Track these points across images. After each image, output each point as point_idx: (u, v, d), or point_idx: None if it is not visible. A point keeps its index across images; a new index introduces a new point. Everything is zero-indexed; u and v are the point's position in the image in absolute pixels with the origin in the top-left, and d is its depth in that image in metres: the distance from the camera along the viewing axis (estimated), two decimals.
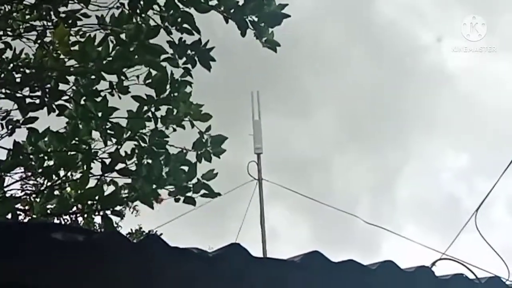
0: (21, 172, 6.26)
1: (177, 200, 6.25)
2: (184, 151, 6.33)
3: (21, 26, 6.29)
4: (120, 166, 6.18)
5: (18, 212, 6.05)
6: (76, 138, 6.16)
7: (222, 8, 6.08)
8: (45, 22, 6.31)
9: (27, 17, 6.31)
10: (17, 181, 6.16)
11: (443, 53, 14.44)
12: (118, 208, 6.12)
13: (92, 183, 6.11)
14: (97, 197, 6.01)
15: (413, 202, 16.39)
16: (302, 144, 15.56)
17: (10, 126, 6.14)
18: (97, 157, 6.17)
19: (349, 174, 16.19)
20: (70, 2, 6.26)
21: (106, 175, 6.15)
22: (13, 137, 6.08)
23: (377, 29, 14.22)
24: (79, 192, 5.93)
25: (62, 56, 5.98)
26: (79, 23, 6.20)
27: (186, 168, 6.25)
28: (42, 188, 6.27)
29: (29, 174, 6.44)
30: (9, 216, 5.84)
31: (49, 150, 6.08)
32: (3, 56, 6.14)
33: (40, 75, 6.02)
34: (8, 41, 6.22)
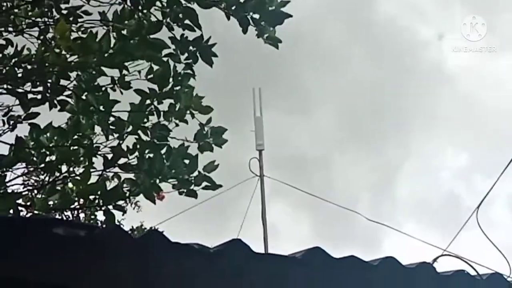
0: (23, 168, 6.27)
1: (180, 193, 6.25)
2: (185, 142, 6.34)
3: (23, 22, 6.29)
4: (122, 160, 6.18)
5: (20, 208, 6.06)
6: (78, 133, 6.17)
7: (223, 5, 6.09)
8: (46, 18, 6.31)
9: (29, 13, 6.31)
10: (18, 176, 6.17)
11: (443, 52, 14.44)
12: (120, 202, 6.12)
13: (94, 178, 6.11)
14: (99, 192, 6.01)
15: (414, 199, 16.40)
16: (303, 142, 15.57)
17: (11, 122, 6.14)
18: (99, 152, 6.18)
19: (349, 171, 16.20)
20: None
21: (108, 170, 6.16)
22: (14, 133, 6.09)
23: (378, 27, 14.23)
24: (81, 187, 5.93)
25: (63, 52, 5.98)
26: (80, 19, 6.20)
27: (187, 161, 6.25)
28: (44, 183, 6.27)
29: (31, 169, 6.44)
30: (11, 211, 5.85)
31: (51, 145, 6.08)
32: (5, 52, 6.14)
33: (42, 70, 6.02)
34: (11, 37, 6.23)
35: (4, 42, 6.13)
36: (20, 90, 6.08)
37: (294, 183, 12.03)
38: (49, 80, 6.08)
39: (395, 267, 3.18)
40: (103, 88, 6.16)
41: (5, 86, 6.07)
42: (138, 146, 6.22)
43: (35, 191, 6.33)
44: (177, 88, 6.29)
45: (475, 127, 13.84)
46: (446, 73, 14.14)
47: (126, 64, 5.99)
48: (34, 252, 2.55)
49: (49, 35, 6.25)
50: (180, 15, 6.12)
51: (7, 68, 6.04)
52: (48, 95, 6.09)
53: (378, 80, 14.39)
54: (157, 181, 6.15)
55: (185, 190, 6.24)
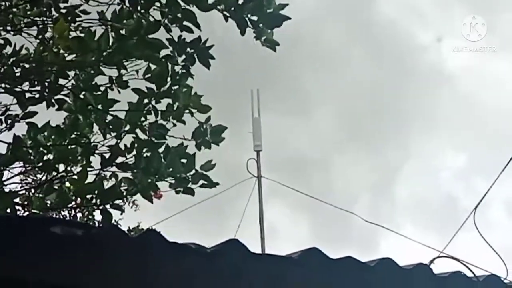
0: (21, 167, 6.26)
1: (177, 192, 6.26)
2: (184, 141, 6.34)
3: (21, 22, 6.28)
4: (119, 159, 6.18)
5: (17, 207, 6.06)
6: (76, 132, 6.17)
7: (222, 7, 6.09)
8: (45, 18, 6.31)
9: (28, 12, 6.31)
10: (16, 175, 6.17)
11: (443, 53, 14.46)
12: (117, 202, 6.12)
13: (91, 177, 6.12)
14: (96, 192, 6.01)
15: (412, 201, 16.43)
16: (302, 143, 15.58)
17: (9, 121, 6.14)
18: (97, 151, 6.18)
19: (348, 173, 16.22)
20: None
21: (105, 169, 6.16)
22: (12, 132, 6.09)
23: (377, 29, 14.24)
24: (78, 186, 5.93)
25: (62, 51, 5.98)
26: (79, 19, 6.20)
27: (184, 160, 6.25)
28: (41, 182, 6.27)
29: (29, 168, 6.44)
30: (8, 210, 5.85)
31: (48, 144, 6.08)
32: (3, 51, 6.13)
33: (40, 69, 6.03)
34: (9, 36, 6.22)
35: (2, 42, 6.13)
36: (18, 89, 6.08)
37: (292, 184, 12.04)
38: (47, 79, 6.08)
39: (392, 268, 3.18)
40: (101, 87, 6.17)
41: (3, 85, 6.07)
42: (135, 145, 6.22)
43: (33, 190, 6.33)
44: (175, 87, 6.29)
45: (474, 128, 13.87)
46: (445, 74, 14.16)
47: (125, 63, 6.00)
48: (31, 251, 2.55)
49: (48, 35, 6.25)
50: (179, 15, 6.13)
51: (5, 67, 6.04)
52: (46, 94, 6.09)
53: (378, 81, 14.41)
54: (155, 180, 6.15)
55: (182, 189, 6.25)
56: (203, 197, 6.67)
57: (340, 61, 14.75)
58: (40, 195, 6.12)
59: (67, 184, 6.05)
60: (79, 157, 6.12)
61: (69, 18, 6.14)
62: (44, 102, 6.12)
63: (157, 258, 2.73)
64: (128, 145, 6.22)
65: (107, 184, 6.13)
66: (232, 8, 6.07)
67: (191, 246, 2.83)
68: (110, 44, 5.80)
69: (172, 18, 6.15)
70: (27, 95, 6.09)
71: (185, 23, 6.15)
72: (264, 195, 11.70)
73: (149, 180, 6.10)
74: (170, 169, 6.14)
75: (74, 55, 5.88)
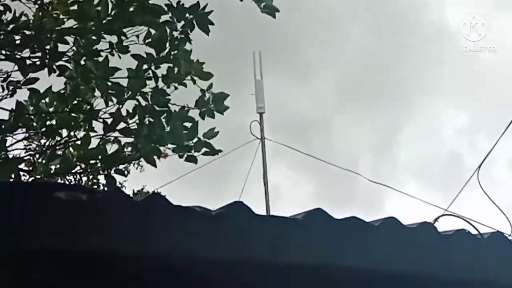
0: (24, 133, 6.27)
1: (180, 157, 6.27)
2: (186, 108, 6.33)
3: None
4: (122, 125, 6.19)
5: (22, 173, 6.08)
6: (77, 98, 6.16)
7: None
8: None
9: None
10: (19, 141, 6.17)
11: (444, 12, 14.35)
12: (121, 167, 6.14)
13: (94, 143, 6.12)
14: (99, 157, 6.02)
15: (415, 160, 16.42)
16: (304, 105, 15.55)
17: (11, 87, 6.13)
18: (99, 117, 6.18)
19: (350, 134, 16.21)
20: None
21: (108, 134, 6.16)
22: (14, 99, 6.08)
23: None
24: (81, 152, 5.94)
25: (61, 16, 5.95)
26: None
27: (188, 125, 6.25)
28: (45, 148, 6.28)
29: (32, 134, 6.45)
30: (12, 176, 5.86)
31: (50, 110, 6.08)
32: (2, 18, 6.10)
33: (40, 36, 6.00)
34: (8, 3, 6.19)
35: (2, 8, 6.09)
36: (18, 56, 6.06)
37: (296, 146, 12.04)
38: (48, 46, 6.05)
39: (396, 227, 3.19)
40: (102, 53, 6.15)
41: (3, 52, 6.05)
42: (137, 111, 6.22)
43: (37, 156, 6.34)
44: (174, 52, 6.27)
45: (477, 86, 13.80)
46: (447, 32, 14.06)
47: (124, 30, 5.98)
48: (36, 216, 2.55)
49: (46, 0, 6.21)
50: None
51: (5, 34, 6.01)
52: (46, 60, 6.07)
53: (379, 42, 14.34)
54: (157, 145, 6.16)
55: (185, 156, 6.25)
56: (206, 160, 6.67)
57: (341, 23, 14.67)
58: (44, 161, 6.14)
59: (71, 149, 6.06)
60: (81, 123, 6.12)
61: None
62: (46, 69, 6.11)
63: (162, 221, 2.74)
64: (130, 111, 6.22)
65: (110, 149, 6.14)
66: None
67: (196, 209, 2.84)
68: (110, 11, 5.76)
69: None
70: (28, 61, 6.08)
71: None
72: (267, 157, 11.70)
73: (152, 145, 6.11)
74: (173, 137, 6.14)
75: (74, 22, 5.86)
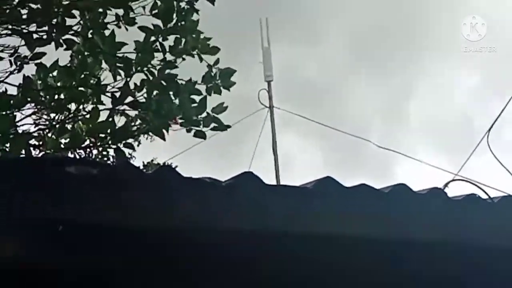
0: (32, 108, 6.28)
1: (188, 131, 6.28)
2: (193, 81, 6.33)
3: None
4: (130, 99, 6.19)
5: (32, 148, 6.10)
6: (85, 72, 6.16)
7: None
8: None
9: None
10: (28, 116, 6.19)
11: None
12: (130, 140, 6.15)
13: (103, 116, 6.14)
14: (109, 131, 6.04)
15: (426, 124, 16.36)
16: (313, 71, 15.50)
17: (18, 63, 6.13)
18: (107, 91, 6.18)
19: (361, 98, 16.16)
20: None
21: (116, 108, 6.17)
22: (21, 74, 6.08)
23: None
24: (90, 126, 5.96)
25: None
26: None
27: (196, 98, 6.25)
28: (54, 123, 6.30)
29: (41, 109, 6.46)
30: (23, 152, 5.89)
31: (58, 84, 6.09)
32: None
33: (47, 10, 5.98)
34: None
35: None
36: (25, 31, 6.06)
37: (305, 113, 12.03)
38: (54, 20, 6.04)
39: (406, 193, 3.19)
40: (109, 27, 6.14)
41: (10, 27, 6.04)
42: (145, 85, 6.22)
43: (46, 131, 6.36)
44: (182, 23, 6.25)
45: (488, 47, 13.67)
46: None
47: (131, 3, 5.96)
48: (47, 191, 2.57)
49: None
50: None
51: (10, 8, 6.00)
52: (53, 34, 6.06)
53: (389, 3, 14.21)
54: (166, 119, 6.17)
55: (193, 129, 6.26)
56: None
57: None
58: (54, 136, 6.16)
59: (80, 124, 6.08)
60: (89, 97, 6.13)
61: None
62: (52, 43, 6.10)
63: (173, 193, 2.75)
64: (138, 84, 6.22)
65: (118, 122, 6.16)
66: None
67: (206, 180, 2.84)
68: None
69: None
70: (35, 36, 6.07)
71: None
72: (276, 126, 11.71)
73: (161, 119, 6.12)
74: (182, 111, 6.14)
75: None
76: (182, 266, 2.95)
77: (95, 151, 6.90)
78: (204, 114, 6.24)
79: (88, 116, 6.08)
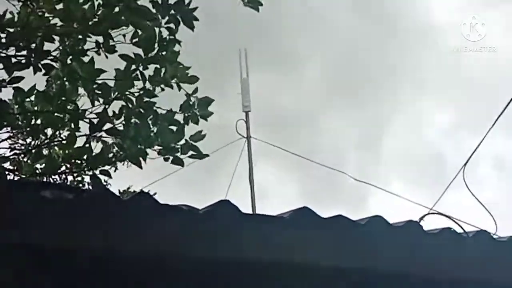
0: (8, 132, 6.25)
1: (166, 159, 6.27)
2: (172, 113, 6.33)
3: None
4: (108, 126, 6.18)
5: (7, 172, 6.05)
6: (63, 98, 6.14)
7: None
8: None
9: None
10: (4, 140, 6.15)
11: (429, 7, 14.40)
12: (106, 167, 6.13)
13: (80, 142, 6.11)
14: (85, 157, 6.01)
15: (400, 158, 16.45)
16: (290, 101, 15.56)
17: None
18: (85, 117, 6.16)
19: (336, 129, 16.23)
20: None
21: (94, 134, 6.15)
22: None
23: None
24: (67, 151, 5.93)
25: (47, 15, 5.93)
26: None
27: (174, 128, 6.26)
28: (30, 147, 6.26)
29: (17, 133, 6.43)
30: None
31: (35, 109, 6.06)
32: None
33: (26, 34, 5.97)
34: None
35: None
36: (3, 54, 6.04)
37: (282, 144, 12.05)
38: (33, 44, 6.03)
39: (382, 225, 3.20)
40: (88, 54, 6.14)
41: None
42: (124, 112, 6.21)
43: (22, 155, 6.32)
44: (163, 53, 6.27)
45: (462, 84, 13.85)
46: (432, 29, 14.11)
47: (111, 31, 5.97)
48: (21, 214, 2.55)
49: None
50: None
51: None
52: (32, 59, 6.04)
53: (364, 37, 14.35)
54: (143, 147, 6.16)
55: (170, 157, 6.26)
56: (193, 159, 6.67)
57: (326, 18, 14.67)
58: (29, 161, 6.12)
59: (56, 149, 6.05)
60: (67, 123, 6.11)
61: None
62: (31, 68, 6.09)
63: (148, 220, 2.74)
64: (116, 112, 6.21)
65: (95, 149, 6.13)
66: None
67: (183, 207, 2.84)
68: (96, 10, 5.76)
69: None
70: (13, 60, 6.05)
71: None
72: (253, 156, 11.71)
73: (138, 147, 6.11)
74: (159, 138, 6.15)
75: (60, 22, 5.83)
76: None
77: (70, 177, 6.86)
78: (182, 142, 6.25)
79: (64, 141, 6.05)
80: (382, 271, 3.20)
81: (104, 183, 6.79)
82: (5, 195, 2.57)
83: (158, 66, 6.29)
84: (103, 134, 6.21)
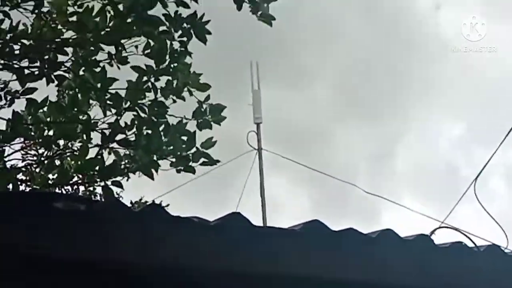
0: (21, 143, 6.28)
1: (178, 171, 6.29)
2: (184, 120, 6.35)
3: None
4: (120, 136, 6.20)
5: (19, 183, 6.08)
6: (75, 109, 6.18)
7: None
8: None
9: None
10: (17, 151, 6.18)
11: (441, 21, 14.40)
12: (118, 178, 6.15)
13: (92, 153, 6.13)
14: (97, 168, 6.03)
15: (412, 171, 16.42)
16: (301, 115, 15.55)
17: (9, 97, 6.14)
18: (97, 128, 6.19)
19: (348, 143, 16.21)
20: None
21: (106, 145, 6.17)
22: (11, 108, 6.09)
23: None
24: (79, 162, 5.95)
25: (60, 27, 5.97)
26: None
27: (185, 138, 6.27)
28: (43, 158, 6.29)
29: (29, 144, 6.46)
30: (10, 186, 5.87)
31: (48, 120, 6.09)
32: (1, 27, 6.12)
33: (39, 46, 6.02)
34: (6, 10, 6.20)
35: (1, 16, 6.10)
36: (17, 66, 6.08)
37: (293, 156, 12.02)
38: (46, 56, 6.07)
39: (393, 239, 3.20)
40: (101, 64, 6.17)
41: (1, 61, 6.06)
42: (136, 123, 6.24)
43: (34, 166, 6.35)
44: (174, 65, 6.30)
45: (474, 96, 13.83)
46: (444, 42, 14.10)
47: (123, 41, 6.00)
48: (34, 225, 2.56)
49: (45, 9, 6.23)
50: None
51: (3, 43, 6.02)
52: (45, 70, 6.08)
53: (376, 51, 14.35)
54: (156, 158, 6.18)
55: (182, 168, 6.27)
56: (203, 170, 6.69)
57: (338, 32, 14.68)
58: (42, 172, 6.15)
59: (68, 160, 6.07)
60: (79, 133, 6.14)
61: None
62: (44, 79, 6.12)
63: (160, 232, 2.74)
64: (128, 123, 6.24)
65: (107, 160, 6.16)
66: None
67: (194, 219, 2.84)
68: (108, 22, 5.79)
69: None
70: (26, 71, 6.09)
71: None
72: (264, 168, 11.70)
73: (150, 158, 6.12)
74: (171, 147, 6.16)
75: (73, 33, 5.87)
76: None
77: (82, 188, 6.88)
78: (194, 150, 6.26)
79: (76, 153, 6.08)
80: (393, 285, 3.19)
81: (116, 195, 6.82)
82: (17, 206, 2.58)
83: (169, 78, 6.32)
84: (115, 145, 6.24)
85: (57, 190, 6.29)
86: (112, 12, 5.96)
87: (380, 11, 14.09)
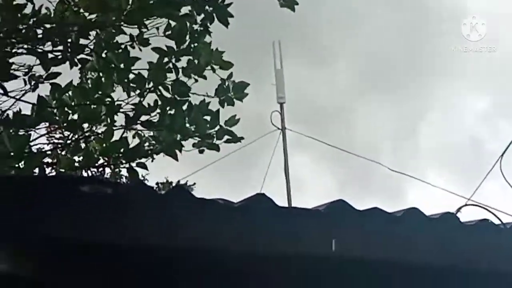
0: (46, 127, 6.32)
1: (201, 152, 6.30)
2: (206, 98, 6.35)
3: None
4: (143, 118, 6.22)
5: (45, 166, 6.13)
6: (99, 91, 6.20)
7: None
8: None
9: None
10: (43, 135, 6.22)
11: None
12: (143, 160, 6.18)
13: (117, 135, 6.17)
14: (122, 150, 6.06)
15: (437, 148, 16.32)
16: (325, 94, 15.52)
17: (33, 82, 6.16)
18: (121, 110, 6.22)
19: (371, 122, 16.14)
20: None
21: (130, 127, 6.20)
22: (36, 93, 6.12)
23: None
24: (104, 145, 5.99)
25: (82, 10, 5.99)
26: None
27: (208, 118, 6.28)
28: (68, 142, 6.33)
29: (55, 128, 6.50)
30: (36, 170, 5.92)
31: (72, 104, 6.12)
32: (24, 12, 6.14)
33: (61, 30, 6.04)
34: None
35: (24, 1, 6.12)
36: (40, 50, 6.10)
37: (316, 136, 12.01)
38: (69, 39, 6.09)
39: (418, 217, 3.19)
40: (122, 46, 6.19)
41: (25, 46, 6.09)
42: (159, 103, 6.25)
43: (60, 149, 6.40)
44: (194, 45, 6.30)
45: (499, 71, 13.68)
46: (467, 16, 13.95)
47: (145, 22, 6.01)
48: (61, 209, 2.58)
49: None
50: None
51: (26, 28, 6.04)
52: (68, 54, 6.10)
53: (399, 29, 14.25)
54: (179, 138, 6.20)
55: (206, 147, 6.29)
56: (228, 150, 6.70)
57: (360, 12, 14.58)
58: (67, 155, 6.19)
59: (93, 143, 6.11)
60: (103, 116, 6.17)
61: None
62: (67, 62, 6.15)
63: (184, 214, 2.76)
64: (152, 104, 6.25)
65: (132, 142, 6.18)
66: None
67: (219, 201, 2.85)
68: (130, 2, 5.80)
69: None
70: (50, 55, 6.11)
71: None
72: (288, 148, 11.69)
73: (174, 139, 6.14)
74: (194, 127, 6.18)
75: (95, 15, 5.89)
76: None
77: (108, 170, 6.92)
78: (217, 127, 6.28)
79: (101, 135, 6.11)
80: (418, 264, 3.19)
81: (142, 177, 6.85)
82: (44, 190, 2.61)
83: (191, 57, 6.32)
84: (139, 126, 6.26)
85: (83, 173, 6.34)
86: None
87: None
